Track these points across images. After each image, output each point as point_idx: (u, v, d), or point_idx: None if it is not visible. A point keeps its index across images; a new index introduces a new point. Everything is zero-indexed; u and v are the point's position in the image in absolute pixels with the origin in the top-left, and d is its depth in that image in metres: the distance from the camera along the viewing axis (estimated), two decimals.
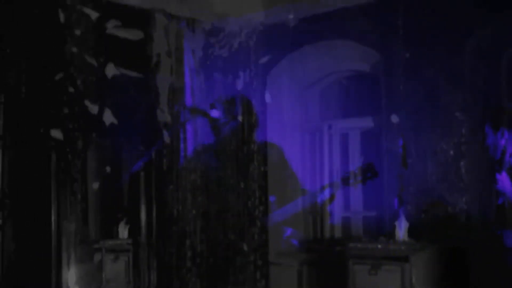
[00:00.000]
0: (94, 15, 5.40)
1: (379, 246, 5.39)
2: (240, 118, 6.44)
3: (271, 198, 6.73)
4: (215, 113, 6.45)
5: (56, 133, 5.19)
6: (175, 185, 6.15)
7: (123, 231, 6.17)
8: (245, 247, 6.47)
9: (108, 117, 5.52)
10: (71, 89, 5.48)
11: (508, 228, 5.38)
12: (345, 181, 6.45)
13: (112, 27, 5.50)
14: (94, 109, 5.51)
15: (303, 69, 6.71)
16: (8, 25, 5.06)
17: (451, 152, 5.54)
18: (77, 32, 5.42)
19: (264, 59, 6.37)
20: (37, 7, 5.26)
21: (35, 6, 5.24)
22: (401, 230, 5.43)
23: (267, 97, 6.52)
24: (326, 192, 6.77)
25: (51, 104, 5.35)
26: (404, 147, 5.60)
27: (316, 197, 6.81)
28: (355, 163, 6.82)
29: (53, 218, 5.44)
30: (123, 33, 5.58)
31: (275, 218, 6.75)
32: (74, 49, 5.46)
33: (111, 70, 5.57)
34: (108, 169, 6.07)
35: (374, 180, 6.05)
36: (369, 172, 6.06)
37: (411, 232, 5.42)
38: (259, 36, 6.26)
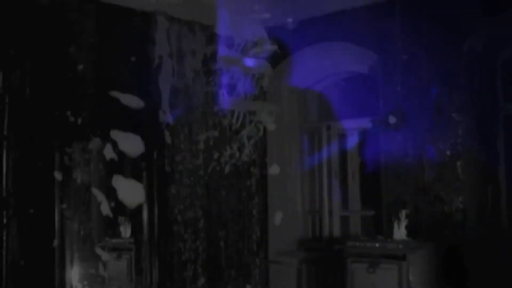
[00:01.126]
0: None
1: (377, 244, 5.42)
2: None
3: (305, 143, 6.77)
4: (249, 62, 6.32)
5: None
6: (177, 184, 6.17)
7: (126, 230, 6.18)
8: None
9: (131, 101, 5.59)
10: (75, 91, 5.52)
11: None
12: (377, 123, 6.15)
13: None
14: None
15: (302, 70, 6.71)
16: (12, 28, 5.07)
17: (448, 152, 5.54)
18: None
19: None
20: (41, 10, 5.28)
21: (39, 9, 5.26)
22: (399, 230, 5.46)
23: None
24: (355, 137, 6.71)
25: (54, 105, 5.36)
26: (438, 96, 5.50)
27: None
28: (353, 163, 6.84)
29: (56, 217, 5.45)
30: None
31: (311, 162, 6.70)
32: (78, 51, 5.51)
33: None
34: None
35: (405, 124, 5.80)
36: (400, 116, 5.81)
37: (408, 231, 5.45)
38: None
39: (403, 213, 5.46)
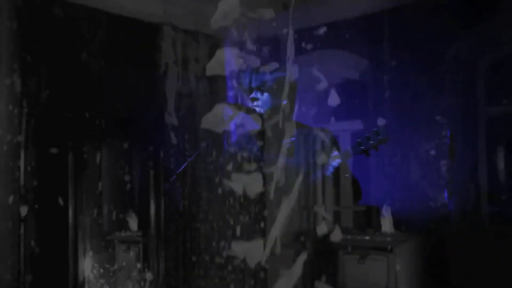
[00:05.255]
0: None
1: (367, 237, 5.49)
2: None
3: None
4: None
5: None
6: (182, 181, 6.22)
7: (134, 224, 6.24)
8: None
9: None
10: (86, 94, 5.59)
11: None
12: (356, 148, 5.78)
13: None
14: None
15: (298, 76, 6.74)
16: (28, 37, 5.14)
17: (433, 152, 5.62)
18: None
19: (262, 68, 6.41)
20: (55, 20, 5.34)
21: (53, 19, 5.33)
22: (387, 224, 5.52)
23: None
24: (335, 163, 6.59)
25: (68, 108, 5.43)
26: (452, 138, 5.55)
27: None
28: (346, 162, 6.88)
29: (70, 212, 5.52)
30: None
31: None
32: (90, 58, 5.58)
33: None
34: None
35: (385, 144, 5.44)
36: (380, 135, 5.48)
37: (396, 224, 5.51)
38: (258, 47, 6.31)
39: (390, 209, 5.52)
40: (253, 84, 5.61)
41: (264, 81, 5.66)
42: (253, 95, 5.43)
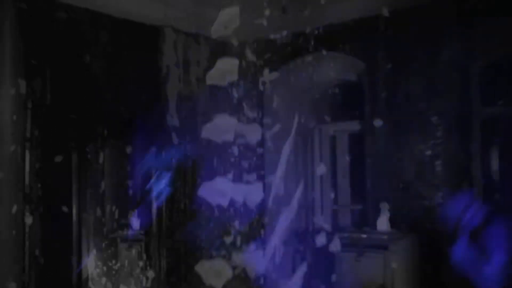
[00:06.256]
0: None
1: (364, 235, 5.54)
2: None
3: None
4: None
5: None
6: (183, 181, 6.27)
7: (136, 223, 6.29)
8: None
9: None
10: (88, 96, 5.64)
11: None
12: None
13: None
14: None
15: (296, 79, 6.79)
16: (33, 40, 5.18)
17: (428, 153, 5.67)
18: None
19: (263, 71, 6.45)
20: (59, 23, 5.39)
21: (57, 23, 5.38)
22: (384, 222, 5.57)
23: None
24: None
25: (72, 109, 5.48)
26: None
27: None
28: (343, 161, 6.93)
29: (74, 211, 5.56)
30: None
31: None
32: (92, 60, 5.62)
33: None
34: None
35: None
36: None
37: (392, 223, 5.56)
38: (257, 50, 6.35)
39: (387, 208, 5.57)
40: None
41: None
42: None
